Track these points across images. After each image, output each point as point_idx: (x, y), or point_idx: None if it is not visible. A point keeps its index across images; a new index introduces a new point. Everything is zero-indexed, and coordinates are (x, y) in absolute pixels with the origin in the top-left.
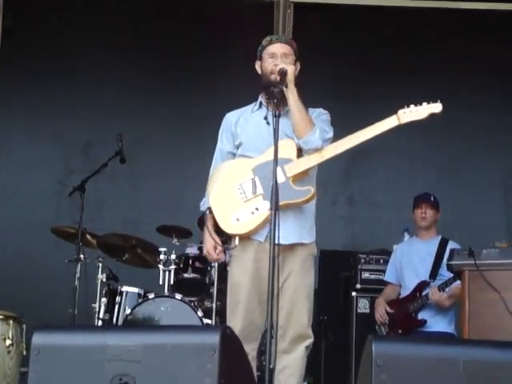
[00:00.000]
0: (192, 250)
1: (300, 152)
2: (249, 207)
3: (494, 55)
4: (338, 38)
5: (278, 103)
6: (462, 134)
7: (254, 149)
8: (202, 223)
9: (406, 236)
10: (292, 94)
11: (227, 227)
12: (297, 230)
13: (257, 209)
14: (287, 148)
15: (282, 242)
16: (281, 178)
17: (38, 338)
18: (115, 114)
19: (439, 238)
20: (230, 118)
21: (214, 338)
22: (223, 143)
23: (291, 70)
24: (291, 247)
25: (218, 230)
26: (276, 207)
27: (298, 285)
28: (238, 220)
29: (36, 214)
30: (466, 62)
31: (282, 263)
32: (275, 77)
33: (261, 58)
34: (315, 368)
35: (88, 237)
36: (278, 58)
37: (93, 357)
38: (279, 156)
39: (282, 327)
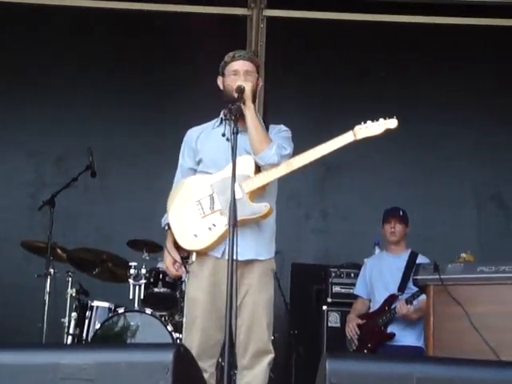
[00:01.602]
0: (162, 265)
1: (259, 169)
2: (206, 223)
3: (468, 68)
4: (310, 52)
5: (236, 120)
6: (433, 148)
7: (214, 165)
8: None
9: (377, 250)
10: (249, 111)
11: (185, 243)
12: (254, 246)
13: (214, 225)
14: (245, 164)
15: (240, 258)
16: (238, 194)
17: None
18: (86, 128)
19: (409, 251)
20: (192, 134)
21: (168, 356)
22: (184, 159)
23: (248, 87)
24: (249, 263)
25: (178, 246)
26: (234, 223)
27: (257, 300)
28: (195, 236)
29: (7, 227)
30: (438, 75)
31: (241, 279)
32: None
33: (223, 74)
34: (285, 382)
35: (58, 251)
36: (240, 75)
37: (45, 376)
38: (238, 172)
39: (241, 343)
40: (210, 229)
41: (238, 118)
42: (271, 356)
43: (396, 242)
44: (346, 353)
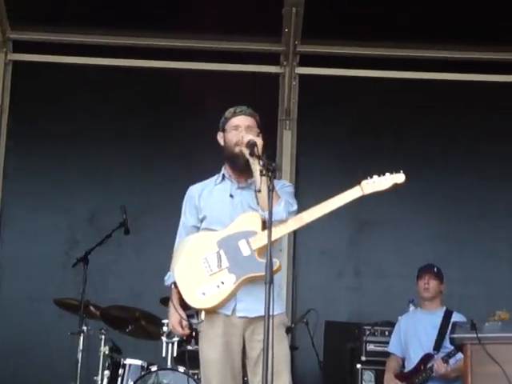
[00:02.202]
0: (195, 321)
1: (264, 224)
2: (214, 281)
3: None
4: (341, 109)
5: (274, 177)
6: (470, 206)
7: (218, 222)
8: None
9: (411, 307)
10: (259, 165)
11: (193, 302)
12: (263, 302)
13: (222, 282)
14: (252, 220)
15: (250, 315)
16: (246, 251)
17: None
18: (118, 185)
19: (444, 309)
20: (193, 191)
21: None
22: (186, 217)
23: (260, 142)
24: (259, 320)
25: (183, 305)
26: (271, 280)
27: (277, 353)
28: (203, 294)
29: (40, 285)
30: (471, 130)
31: (252, 336)
32: (239, 149)
33: (224, 130)
34: None
35: (91, 308)
36: (242, 130)
37: None
38: (244, 229)
39: None
40: (218, 287)
41: (275, 175)
42: None
43: (430, 298)
44: None
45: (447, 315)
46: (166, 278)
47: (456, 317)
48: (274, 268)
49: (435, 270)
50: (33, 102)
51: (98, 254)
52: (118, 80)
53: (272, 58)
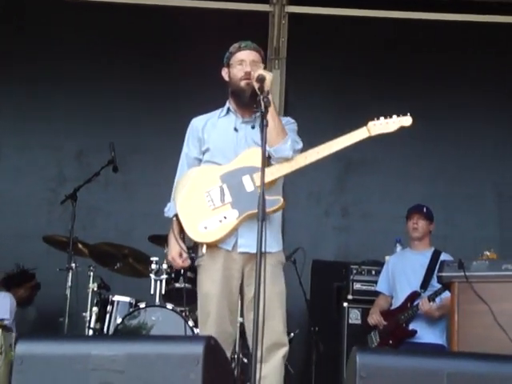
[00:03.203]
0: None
1: (268, 160)
2: (217, 215)
3: (492, 68)
4: (331, 48)
5: (267, 112)
6: (456, 146)
7: (221, 155)
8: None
9: (399, 247)
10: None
11: (195, 235)
12: (264, 239)
13: (225, 217)
14: (256, 156)
15: (251, 250)
16: (249, 187)
17: (22, 348)
18: (108, 123)
19: (432, 249)
20: (196, 123)
21: (198, 349)
22: (189, 149)
23: (269, 76)
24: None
25: (183, 238)
26: (263, 217)
27: (270, 293)
28: (205, 228)
29: (28, 222)
30: (462, 74)
31: (251, 272)
32: (246, 83)
33: (228, 65)
34: (306, 379)
35: (80, 246)
36: (247, 64)
37: (76, 366)
38: (248, 164)
39: (255, 336)
40: (220, 221)
41: (267, 110)
42: (286, 349)
43: (419, 238)
44: (375, 347)
45: (435, 255)
46: (165, 209)
47: (444, 257)
48: (277, 205)
49: (424, 210)
50: (27, 36)
51: (86, 191)
52: (105, 17)
53: None
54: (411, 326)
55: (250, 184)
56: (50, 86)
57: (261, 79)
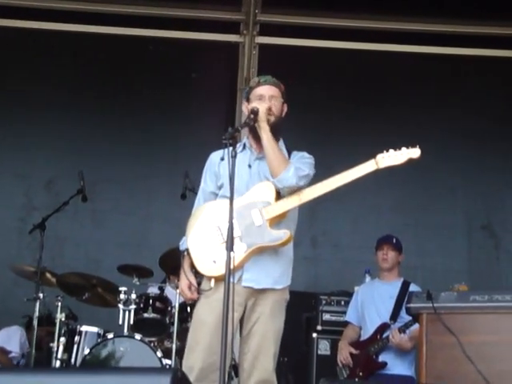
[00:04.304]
0: (153, 290)
1: (279, 194)
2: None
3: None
4: (302, 79)
5: (234, 143)
6: (427, 177)
7: (235, 191)
8: (162, 263)
9: (368, 278)
10: (264, 133)
11: (203, 269)
12: (270, 275)
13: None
14: (266, 190)
15: (255, 286)
16: (258, 221)
17: None
18: (77, 152)
19: (401, 280)
20: (214, 158)
21: (165, 381)
22: (206, 183)
23: (263, 108)
24: (263, 291)
25: (195, 271)
26: (231, 247)
27: (267, 329)
28: (214, 262)
29: None
30: (435, 107)
31: (253, 306)
32: (264, 117)
33: (248, 99)
34: None
35: (48, 275)
36: (265, 100)
37: None
38: (258, 199)
39: (246, 370)
40: None
41: (235, 141)
42: None
43: (388, 268)
44: (342, 380)
45: (405, 286)
46: (180, 242)
47: (413, 288)
48: (285, 238)
49: (394, 240)
50: None
51: (55, 220)
52: (75, 45)
53: (232, 27)
54: (381, 358)
55: (258, 218)
56: (19, 114)
57: (255, 112)
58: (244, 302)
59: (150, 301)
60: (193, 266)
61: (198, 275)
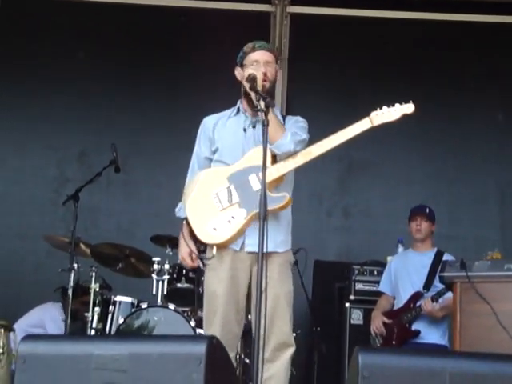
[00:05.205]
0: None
1: (275, 158)
2: (225, 216)
3: (493, 67)
4: (332, 48)
5: (268, 112)
6: (458, 147)
7: (230, 155)
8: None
9: (400, 248)
10: (256, 100)
11: (204, 236)
12: (272, 239)
13: (233, 217)
14: (261, 155)
15: (257, 249)
16: (256, 186)
17: (24, 347)
18: (110, 123)
19: (435, 250)
20: (208, 122)
21: (201, 348)
22: (201, 148)
23: (260, 75)
24: (267, 255)
25: (194, 238)
26: (264, 216)
27: (278, 293)
28: (214, 229)
29: (30, 222)
30: (463, 75)
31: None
32: (260, 83)
33: (242, 65)
34: (308, 379)
35: (81, 246)
36: (261, 65)
37: (79, 366)
38: (254, 163)
39: (262, 336)
40: (229, 222)
41: (269, 110)
42: (293, 349)
43: (422, 239)
44: (378, 347)
45: (438, 255)
46: (176, 209)
47: (447, 257)
48: (284, 202)
49: (427, 211)
50: (17, 37)
51: (88, 192)
52: (106, 16)
53: None
54: (414, 327)
55: (256, 183)
56: (50, 87)
57: (252, 79)
58: (249, 268)
59: (184, 271)
60: (192, 234)
61: (198, 243)
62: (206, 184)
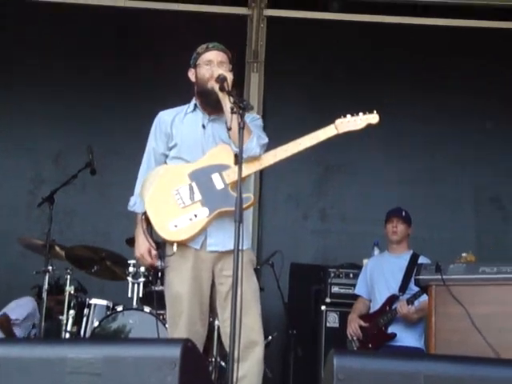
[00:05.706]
0: (161, 263)
1: (236, 158)
2: (187, 214)
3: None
4: (309, 52)
5: (244, 114)
6: (435, 149)
7: (189, 152)
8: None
9: (376, 251)
10: (230, 102)
11: (165, 233)
12: (233, 237)
13: (195, 215)
14: (224, 154)
15: (220, 249)
16: (219, 185)
17: None
18: (86, 125)
19: (411, 252)
20: (165, 117)
21: (175, 352)
22: (157, 144)
23: (230, 76)
24: (229, 254)
25: (150, 233)
26: (240, 218)
27: (245, 290)
28: (176, 226)
29: (5, 224)
30: (438, 75)
31: (220, 272)
32: (212, 84)
33: (195, 66)
34: (283, 382)
35: (57, 248)
36: (214, 65)
37: (53, 369)
38: (217, 162)
39: (231, 335)
40: (191, 219)
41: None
42: (262, 346)
43: (398, 241)
44: (353, 350)
45: (414, 258)
46: (130, 203)
47: (422, 260)
48: (249, 203)
49: (403, 213)
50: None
51: (63, 194)
52: (82, 17)
53: (241, 0)
54: (390, 330)
55: (219, 182)
56: (25, 88)
57: (222, 79)
58: (211, 268)
59: (159, 273)
60: (148, 229)
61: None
62: (166, 180)
